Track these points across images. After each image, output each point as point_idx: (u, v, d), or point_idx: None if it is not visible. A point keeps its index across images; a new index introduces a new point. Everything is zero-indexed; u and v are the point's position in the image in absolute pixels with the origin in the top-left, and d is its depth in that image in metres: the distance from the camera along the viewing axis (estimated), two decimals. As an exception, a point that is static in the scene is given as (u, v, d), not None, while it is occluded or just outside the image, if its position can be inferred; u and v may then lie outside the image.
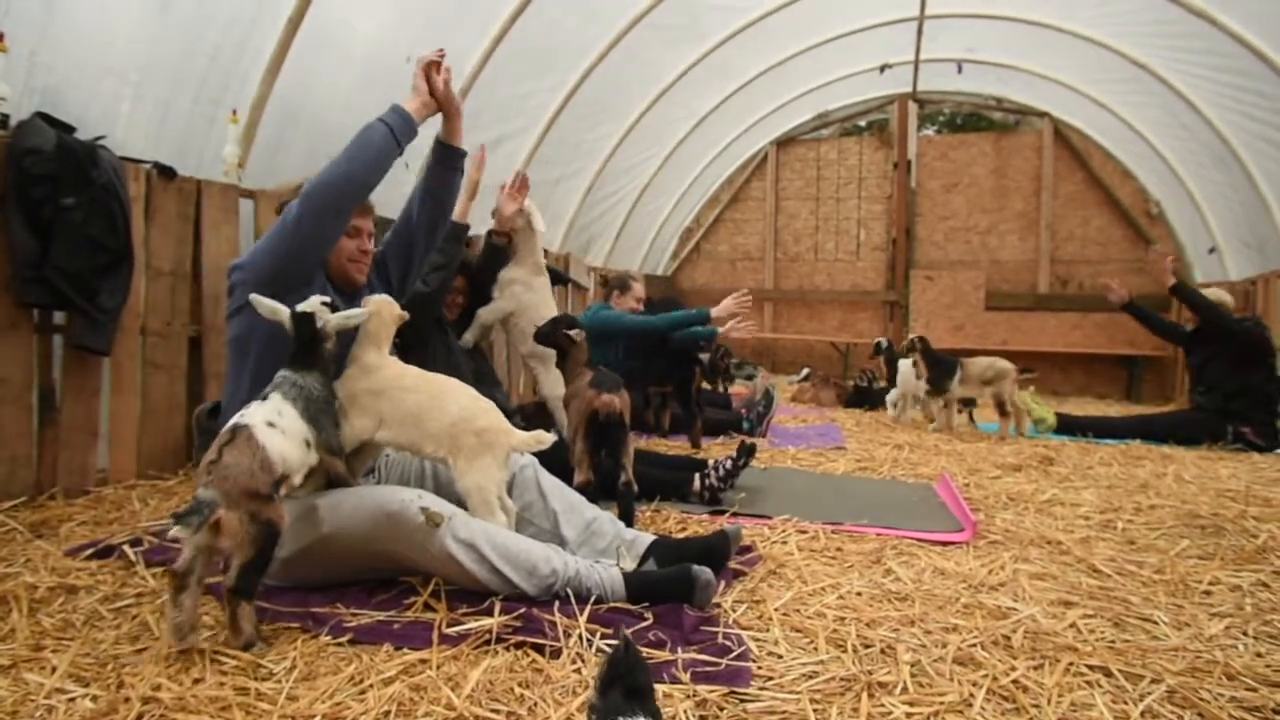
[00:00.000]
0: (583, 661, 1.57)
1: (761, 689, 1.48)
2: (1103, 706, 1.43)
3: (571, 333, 2.99)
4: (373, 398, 1.97)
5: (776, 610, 1.86)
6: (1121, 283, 5.56)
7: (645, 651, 1.57)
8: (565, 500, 2.21)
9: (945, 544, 2.50)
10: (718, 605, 1.89)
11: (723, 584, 1.99)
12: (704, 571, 1.86)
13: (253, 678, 1.49)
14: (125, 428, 3.16)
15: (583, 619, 1.70)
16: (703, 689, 1.45)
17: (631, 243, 8.72)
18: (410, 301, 2.41)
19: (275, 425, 1.68)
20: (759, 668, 1.57)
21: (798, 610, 1.88)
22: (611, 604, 1.85)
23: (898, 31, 7.30)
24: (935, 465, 3.86)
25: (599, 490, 2.63)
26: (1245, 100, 5.79)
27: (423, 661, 1.56)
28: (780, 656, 1.63)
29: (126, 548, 2.22)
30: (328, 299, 1.88)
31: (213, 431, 2.89)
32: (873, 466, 3.86)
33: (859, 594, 2.01)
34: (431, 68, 2.20)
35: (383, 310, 2.03)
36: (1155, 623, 1.85)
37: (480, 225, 4.00)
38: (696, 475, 3.00)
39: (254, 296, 1.83)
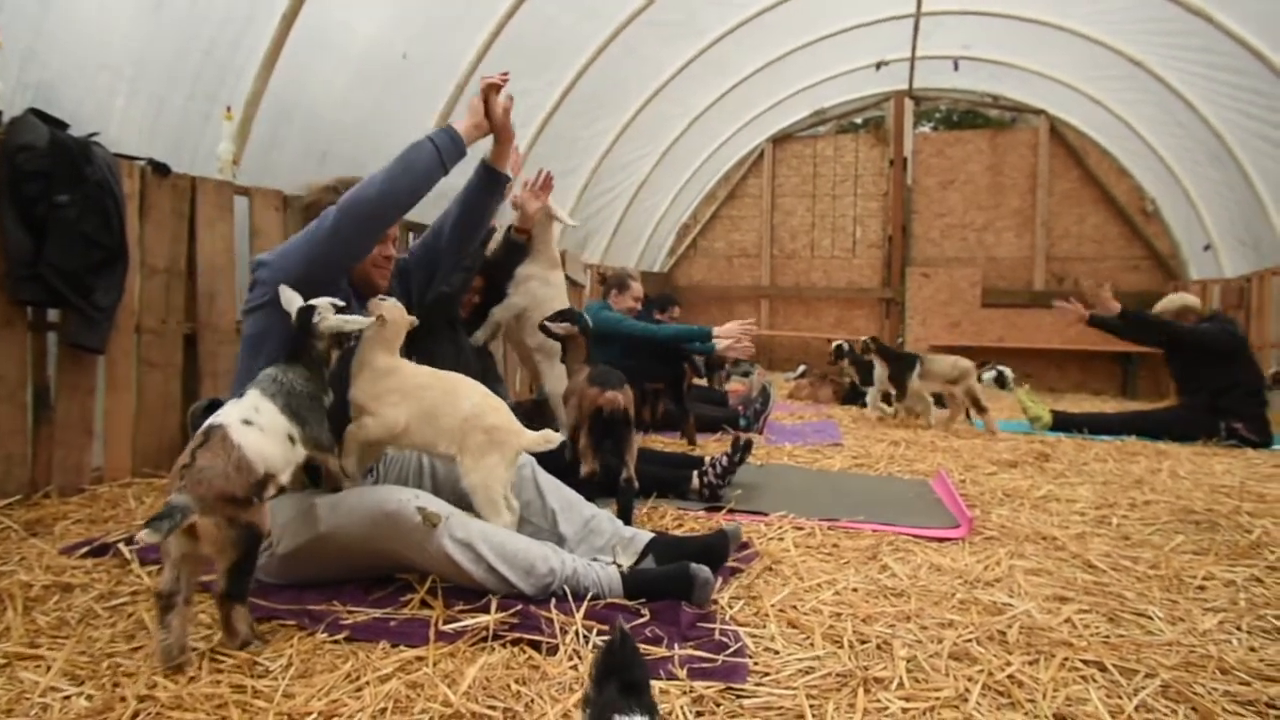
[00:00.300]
0: (579, 658, 1.57)
1: (758, 685, 1.48)
2: (1097, 701, 1.43)
3: (555, 326, 2.95)
4: (399, 396, 1.96)
5: (773, 606, 1.87)
6: (1115, 281, 5.58)
7: (642, 648, 1.57)
8: (563, 499, 2.21)
9: (941, 540, 2.51)
10: (714, 601, 1.89)
11: (719, 580, 2.00)
12: (702, 570, 1.86)
13: (249, 675, 1.49)
14: (120, 426, 3.15)
15: (579, 615, 1.70)
16: (699, 685, 1.46)
17: (628, 239, 8.72)
18: (430, 301, 2.40)
19: (252, 423, 1.62)
20: (755, 664, 1.57)
21: (794, 606, 1.88)
22: (609, 600, 1.85)
23: (894, 28, 7.30)
24: (931, 462, 3.87)
25: (599, 487, 2.63)
26: (1241, 98, 5.80)
27: (419, 659, 1.56)
28: (776, 652, 1.63)
29: (121, 546, 2.22)
30: (340, 301, 1.85)
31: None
32: (869, 463, 3.87)
33: (855, 590, 2.01)
34: (492, 90, 2.14)
35: (395, 316, 2.00)
36: (1150, 618, 1.86)
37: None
38: (695, 473, 3.01)
39: (283, 286, 1.82)
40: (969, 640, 1.69)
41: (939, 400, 5.34)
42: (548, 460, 2.28)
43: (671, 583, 1.87)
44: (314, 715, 1.35)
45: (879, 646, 1.67)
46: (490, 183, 2.33)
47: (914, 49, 7.67)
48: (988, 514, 2.83)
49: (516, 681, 1.47)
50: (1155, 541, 2.52)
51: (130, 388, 3.19)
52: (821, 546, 2.42)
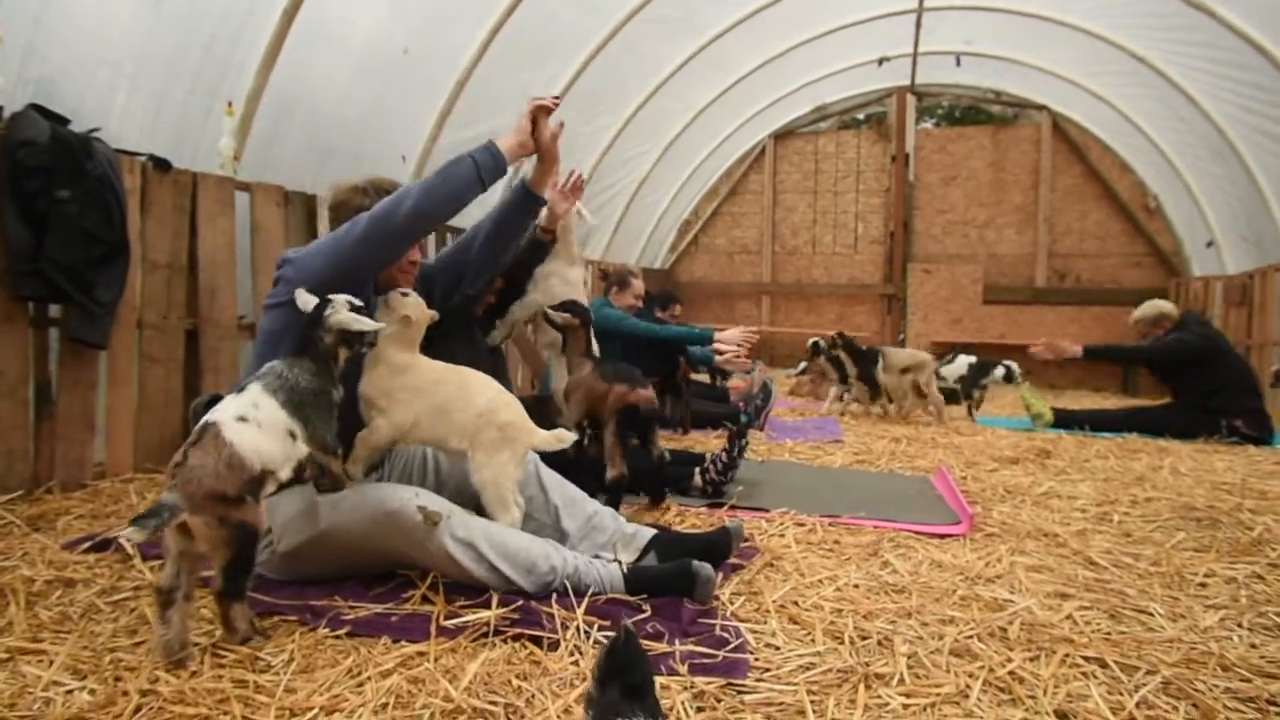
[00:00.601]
0: (580, 653, 1.57)
1: (759, 680, 1.48)
2: (1098, 697, 1.43)
3: (556, 315, 2.93)
4: (412, 394, 1.95)
5: (774, 602, 1.87)
6: (1118, 278, 5.59)
7: (643, 643, 1.57)
8: (566, 495, 2.20)
9: (942, 536, 2.51)
10: (716, 597, 1.89)
11: (720, 576, 2.00)
12: (704, 568, 1.86)
13: (251, 670, 1.49)
14: (122, 421, 3.16)
15: (580, 611, 1.70)
16: (700, 680, 1.46)
17: (629, 236, 8.71)
18: (453, 305, 2.39)
19: (249, 419, 1.59)
20: (756, 659, 1.58)
21: (795, 602, 1.88)
22: (610, 595, 1.85)
23: (896, 24, 7.28)
24: (932, 458, 3.87)
25: (608, 485, 2.64)
26: (1244, 93, 5.79)
27: (420, 654, 1.57)
28: (777, 648, 1.63)
29: (124, 541, 2.22)
30: (358, 300, 1.83)
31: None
32: (870, 459, 3.87)
33: (856, 586, 2.01)
34: (542, 112, 2.10)
35: (417, 314, 1.98)
36: (1151, 614, 1.86)
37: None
38: (697, 470, 3.00)
39: (299, 291, 1.81)
40: (970, 636, 1.69)
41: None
42: (550, 456, 2.28)
43: (673, 580, 1.87)
44: (315, 710, 1.35)
45: (880, 642, 1.67)
46: (527, 204, 2.32)
47: (916, 44, 7.65)
48: (989, 511, 2.83)
49: (518, 677, 1.47)
50: (1156, 538, 2.52)
51: (132, 383, 3.19)
52: (823, 543, 2.42)
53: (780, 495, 2.96)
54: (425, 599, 1.81)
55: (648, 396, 2.72)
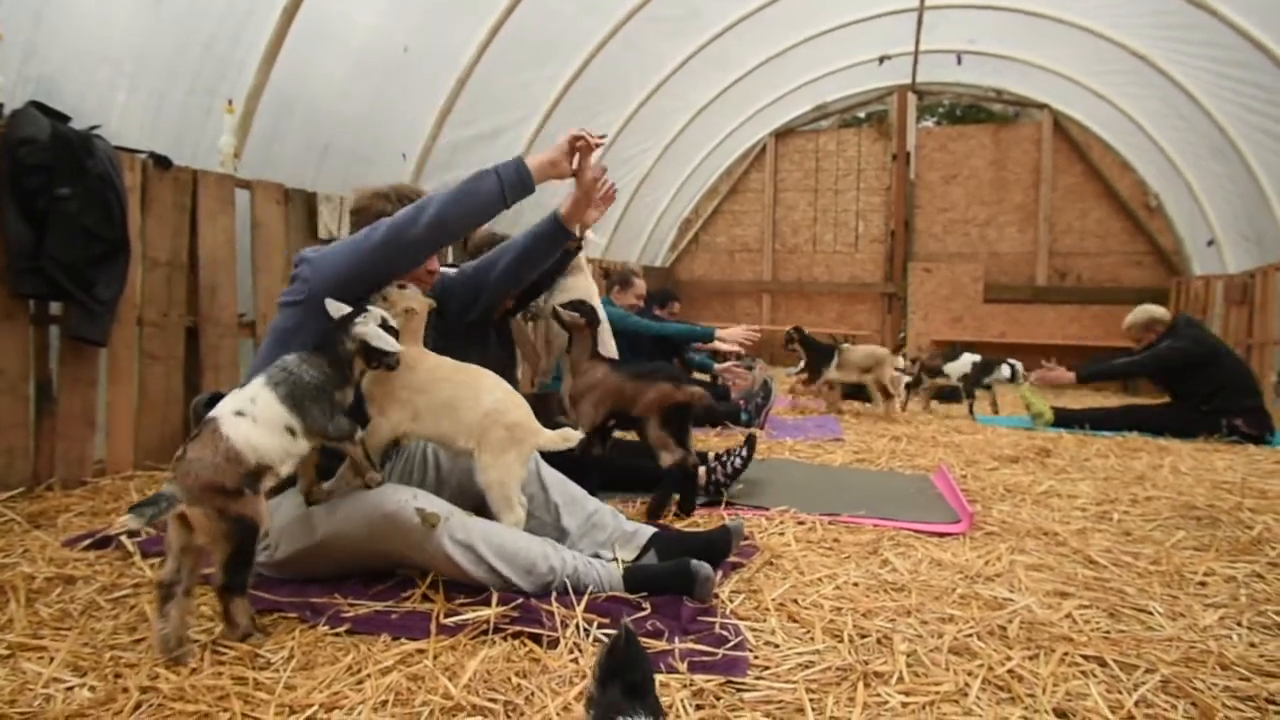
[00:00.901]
0: (580, 651, 1.57)
1: (758, 678, 1.48)
2: (1097, 696, 1.43)
3: (565, 313, 2.91)
4: (410, 392, 1.93)
5: (773, 600, 1.87)
6: (1118, 277, 5.61)
7: (642, 641, 1.57)
8: (566, 493, 2.20)
9: (942, 535, 2.51)
10: (715, 595, 1.89)
11: (720, 574, 2.00)
12: (703, 567, 1.86)
13: (250, 667, 1.49)
14: (122, 418, 3.16)
15: (580, 608, 1.71)
16: (699, 678, 1.46)
17: (630, 234, 8.71)
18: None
19: (245, 414, 1.60)
20: (756, 657, 1.58)
21: (794, 600, 1.88)
22: (609, 593, 1.85)
23: (897, 22, 7.28)
24: (932, 457, 3.87)
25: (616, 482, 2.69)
26: (1245, 92, 5.78)
27: (420, 651, 1.57)
28: (777, 646, 1.63)
29: (124, 538, 2.22)
30: (394, 322, 1.82)
31: (206, 423, 2.86)
32: (870, 458, 3.87)
33: (856, 584, 2.01)
34: (585, 150, 2.06)
35: (419, 307, 1.97)
36: (1150, 613, 1.86)
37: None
38: (700, 469, 2.99)
39: (329, 300, 1.80)
40: (969, 635, 1.69)
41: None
42: (554, 455, 2.27)
43: (672, 579, 1.87)
44: (315, 707, 1.36)
45: (879, 641, 1.67)
46: (558, 236, 2.32)
47: (917, 43, 7.65)
48: (989, 509, 2.82)
49: (517, 674, 1.48)
50: (1156, 537, 2.52)
51: (132, 380, 3.19)
52: (822, 541, 2.42)
53: (780, 493, 2.96)
54: (425, 597, 1.82)
55: (698, 394, 2.72)
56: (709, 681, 1.45)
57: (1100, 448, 4.20)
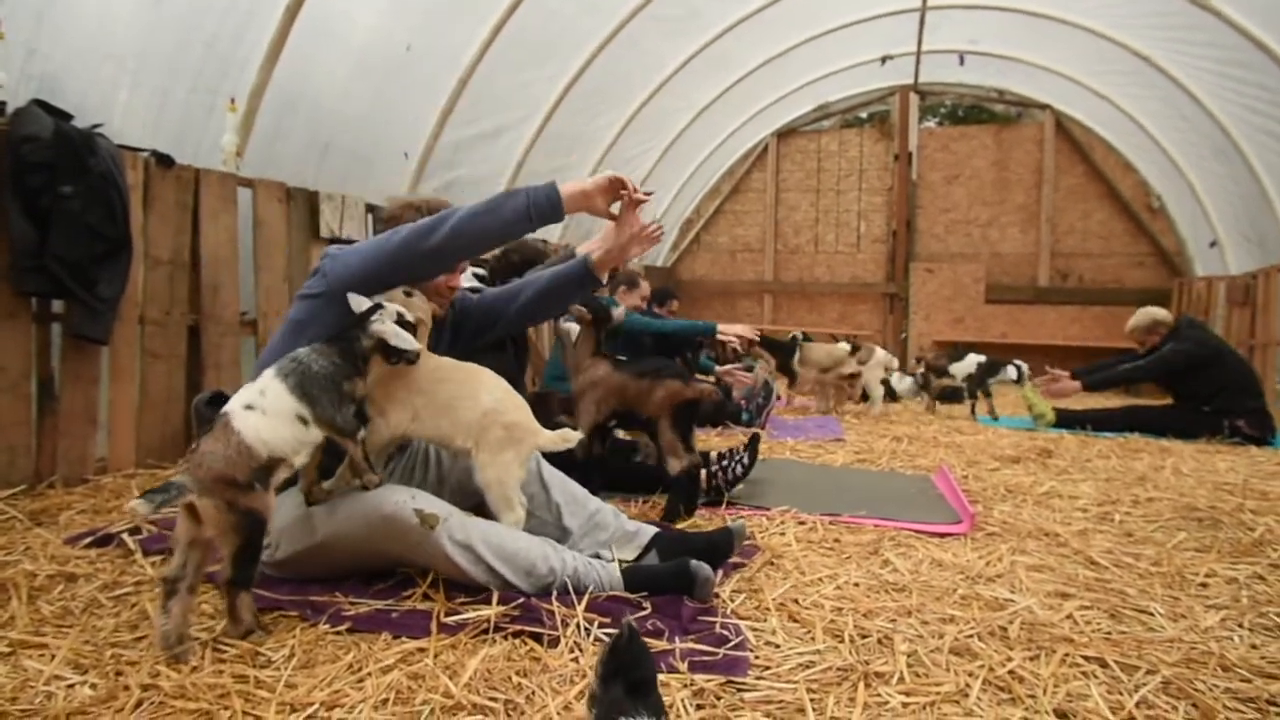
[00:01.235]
0: (580, 650, 1.57)
1: (758, 678, 1.48)
2: (1098, 697, 1.43)
3: (575, 307, 2.89)
4: (408, 393, 1.93)
5: (774, 600, 1.87)
6: (1120, 278, 5.62)
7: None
8: (568, 493, 2.20)
9: (943, 535, 2.51)
10: (716, 595, 1.89)
11: (720, 574, 2.00)
12: (703, 568, 1.85)
13: (251, 665, 1.49)
14: (124, 417, 3.16)
15: (581, 608, 1.71)
16: (700, 678, 1.46)
17: (631, 234, 8.70)
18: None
19: (254, 407, 1.62)
20: (756, 657, 1.58)
21: (795, 600, 1.88)
22: (610, 593, 1.85)
23: (899, 22, 7.27)
24: (934, 457, 3.87)
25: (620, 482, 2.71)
26: (1247, 93, 5.77)
27: (421, 650, 1.57)
28: (777, 646, 1.63)
29: (125, 536, 2.22)
30: (410, 318, 1.82)
31: (212, 420, 2.87)
32: (871, 458, 3.87)
33: (856, 585, 2.01)
34: (632, 204, 2.04)
35: (424, 315, 1.97)
36: (1151, 614, 1.85)
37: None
38: (702, 472, 2.99)
39: (351, 294, 1.80)
40: (970, 635, 1.69)
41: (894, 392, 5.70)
42: (555, 454, 2.27)
43: (672, 579, 1.86)
44: (316, 705, 1.36)
45: (880, 641, 1.67)
46: (585, 282, 2.31)
47: (919, 43, 7.65)
48: (990, 510, 2.82)
49: (518, 673, 1.48)
50: (1157, 538, 2.52)
51: (134, 379, 3.20)
52: (823, 541, 2.42)
53: (781, 493, 2.96)
54: (426, 596, 1.81)
55: (708, 390, 2.70)
56: (709, 681, 1.45)
57: (1102, 448, 4.20)
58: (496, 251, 3.41)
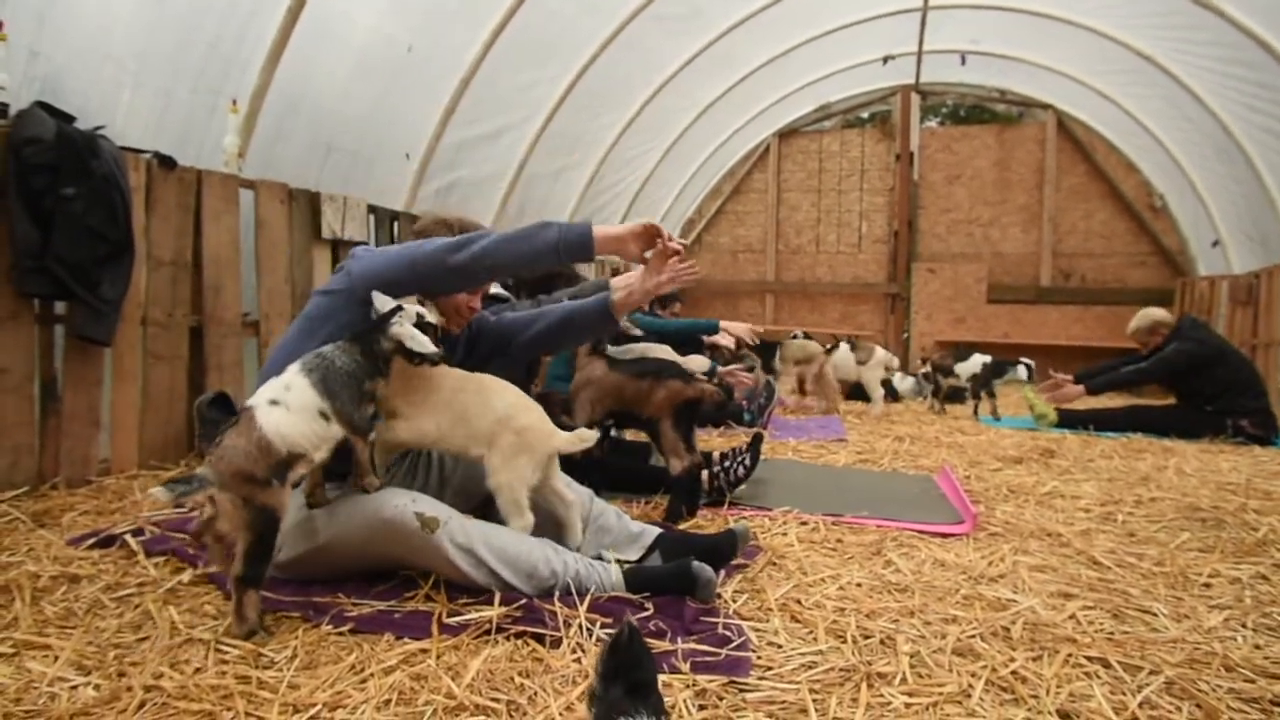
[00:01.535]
0: (583, 651, 1.57)
1: (761, 679, 1.48)
2: (1101, 697, 1.43)
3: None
4: (432, 406, 1.93)
5: (776, 601, 1.87)
6: (1123, 278, 5.62)
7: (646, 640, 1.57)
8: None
9: (945, 536, 2.51)
10: (718, 595, 1.89)
11: (723, 574, 2.00)
12: (704, 569, 1.85)
13: (254, 666, 1.50)
14: (127, 418, 3.17)
15: (583, 608, 1.71)
16: (702, 679, 1.46)
17: (633, 234, 8.69)
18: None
19: (279, 402, 1.64)
20: (759, 658, 1.58)
21: (797, 601, 1.88)
22: (612, 593, 1.85)
23: (901, 22, 7.27)
24: (936, 457, 3.87)
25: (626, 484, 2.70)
26: (1250, 92, 5.76)
27: (423, 651, 1.57)
28: (780, 646, 1.63)
29: (128, 537, 2.23)
30: (432, 320, 1.83)
31: (214, 421, 2.87)
32: (873, 458, 3.87)
33: (859, 585, 2.01)
34: (663, 250, 2.03)
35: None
36: (1154, 614, 1.85)
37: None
38: (704, 473, 2.99)
39: (376, 293, 1.81)
40: (972, 636, 1.69)
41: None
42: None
43: (674, 580, 1.86)
44: (319, 706, 1.36)
45: (882, 641, 1.67)
46: (603, 322, 2.32)
47: (921, 43, 7.64)
48: (992, 510, 2.82)
49: (520, 674, 1.48)
50: (1160, 538, 2.51)
51: (136, 380, 3.20)
52: (825, 541, 2.42)
53: (783, 494, 2.96)
54: (428, 597, 1.82)
55: (710, 390, 2.70)
56: (712, 682, 1.45)
57: (1104, 449, 4.19)
58: None
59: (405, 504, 1.79)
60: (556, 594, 1.82)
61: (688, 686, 1.43)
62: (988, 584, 2.04)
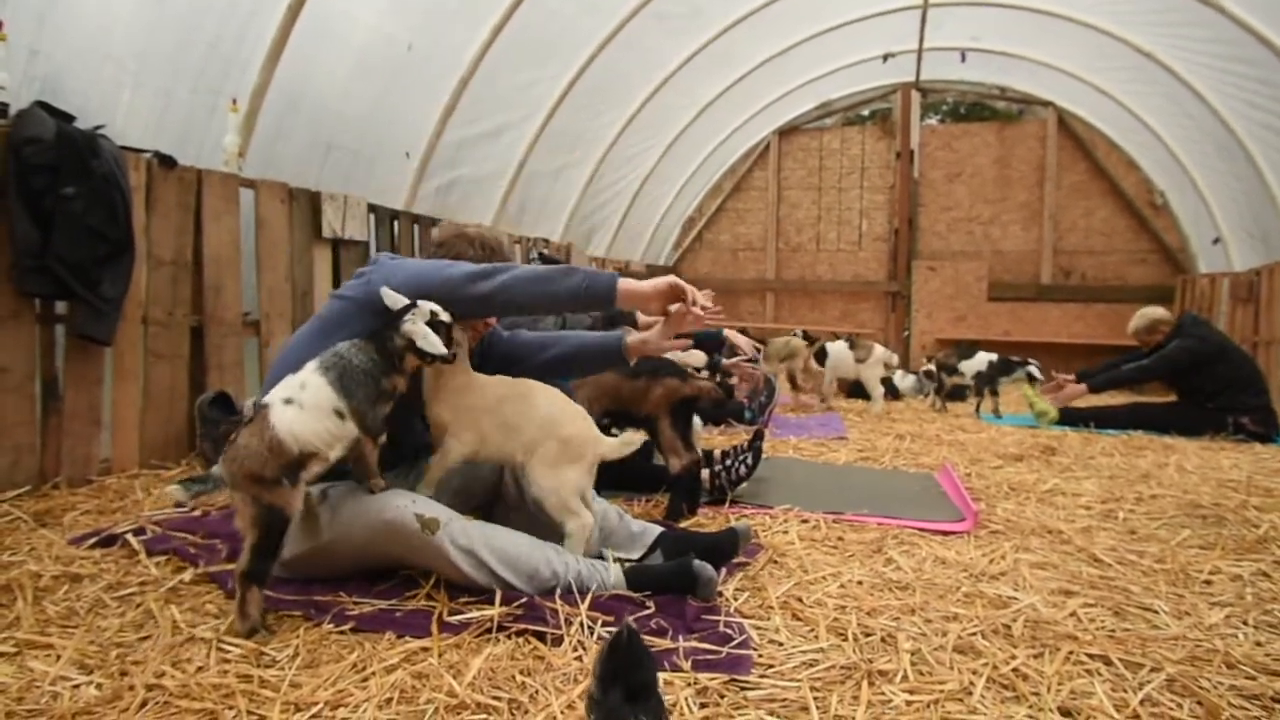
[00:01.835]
0: (584, 649, 1.57)
1: (762, 677, 1.48)
2: (1102, 695, 1.43)
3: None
4: (480, 413, 1.93)
5: (778, 599, 1.87)
6: (1124, 275, 5.61)
7: (647, 640, 1.57)
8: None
9: (946, 533, 2.51)
10: (720, 594, 1.89)
11: (724, 572, 2.00)
12: (705, 568, 1.85)
13: (256, 665, 1.50)
14: (127, 417, 3.17)
15: (584, 606, 1.71)
16: (703, 677, 1.46)
17: (633, 233, 8.70)
18: None
19: (293, 401, 1.64)
20: (760, 656, 1.58)
21: (799, 599, 1.88)
22: (613, 592, 1.85)
23: (901, 20, 7.25)
24: (937, 455, 3.87)
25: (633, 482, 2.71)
26: (1250, 89, 5.75)
27: (424, 649, 1.57)
28: (781, 644, 1.63)
29: (130, 537, 2.23)
30: (446, 317, 1.81)
31: (215, 421, 2.88)
32: (874, 456, 3.87)
33: (860, 583, 2.01)
34: (683, 310, 2.03)
35: (460, 336, 1.95)
36: (1155, 612, 1.85)
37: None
38: (706, 471, 2.99)
39: (385, 289, 1.82)
40: (973, 633, 1.69)
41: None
42: None
43: (675, 579, 1.86)
44: (320, 705, 1.36)
45: (883, 639, 1.67)
46: (613, 361, 2.33)
47: (921, 41, 7.63)
48: (993, 508, 2.82)
49: (521, 672, 1.48)
50: (1161, 536, 2.51)
51: (137, 379, 3.20)
52: (826, 539, 2.42)
53: (784, 492, 2.96)
54: (429, 596, 1.82)
55: (707, 387, 2.70)
56: (713, 680, 1.45)
57: (1105, 446, 4.19)
58: None
59: (405, 505, 1.79)
60: (558, 594, 1.82)
61: (689, 685, 1.43)
62: (989, 581, 2.04)
